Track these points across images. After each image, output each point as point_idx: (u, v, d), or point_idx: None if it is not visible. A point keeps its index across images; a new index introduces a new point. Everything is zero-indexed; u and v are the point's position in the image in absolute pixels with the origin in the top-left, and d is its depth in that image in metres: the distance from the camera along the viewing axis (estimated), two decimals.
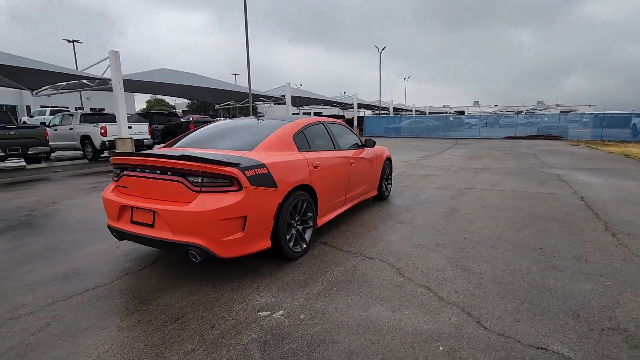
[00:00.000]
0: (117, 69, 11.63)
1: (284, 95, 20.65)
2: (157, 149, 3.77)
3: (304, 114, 42.54)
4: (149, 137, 13.39)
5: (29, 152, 10.22)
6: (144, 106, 77.33)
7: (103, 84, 12.36)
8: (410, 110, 48.13)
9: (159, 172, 2.86)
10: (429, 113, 52.99)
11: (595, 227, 4.28)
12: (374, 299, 2.63)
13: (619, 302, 2.56)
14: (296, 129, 3.73)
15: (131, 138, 12.11)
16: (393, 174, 8.70)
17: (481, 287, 2.81)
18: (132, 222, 2.95)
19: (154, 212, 2.78)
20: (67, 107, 31.46)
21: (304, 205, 3.47)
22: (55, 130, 13.05)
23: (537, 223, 4.48)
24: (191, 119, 39.60)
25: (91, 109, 45.19)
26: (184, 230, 2.68)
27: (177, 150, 3.49)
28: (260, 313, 2.46)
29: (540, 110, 61.71)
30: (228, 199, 2.69)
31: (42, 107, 32.80)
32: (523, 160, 11.17)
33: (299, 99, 27.44)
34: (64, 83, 13.31)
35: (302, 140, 3.76)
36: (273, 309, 2.51)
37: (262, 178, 2.91)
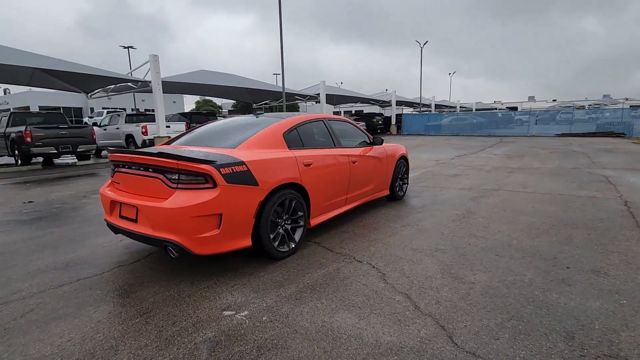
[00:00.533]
0: (157, 72, 12.33)
1: (318, 94, 20.67)
2: (157, 147, 3.90)
3: (334, 112, 42.34)
4: None
5: (78, 150, 11.16)
6: (194, 106, 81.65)
7: (144, 86, 13.16)
8: (455, 107, 46.00)
9: (142, 168, 2.94)
10: (476, 109, 50.36)
11: (630, 237, 3.75)
12: (344, 305, 2.50)
13: (629, 325, 2.20)
14: (288, 127, 3.66)
15: (168, 136, 12.78)
16: (418, 173, 8.37)
17: (468, 298, 2.56)
18: (121, 216, 3.07)
19: (137, 207, 2.87)
20: (124, 109, 34.12)
21: (293, 204, 3.40)
22: (105, 129, 14.14)
23: (562, 229, 4.03)
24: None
25: (145, 109, 48.66)
26: (161, 226, 2.74)
27: (171, 147, 3.58)
28: (225, 312, 2.43)
29: (605, 105, 56.14)
30: (202, 196, 2.70)
31: (103, 108, 35.80)
32: (570, 160, 10.18)
33: (336, 97, 27.35)
34: (112, 86, 14.38)
35: (295, 137, 3.69)
36: (239, 308, 2.47)
37: (240, 176, 2.88)
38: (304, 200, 3.54)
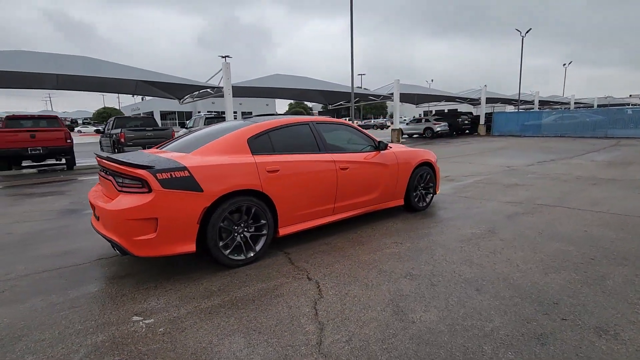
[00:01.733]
0: (228, 78, 13.37)
1: (392, 93, 19.86)
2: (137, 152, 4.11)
3: (424, 112, 40.04)
4: None
5: None
6: (287, 108, 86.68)
7: (219, 92, 14.38)
8: (568, 103, 39.35)
9: (105, 172, 3.17)
10: (599, 105, 42.43)
11: None
12: (247, 327, 2.29)
13: None
14: (255, 132, 3.53)
15: None
16: (470, 180, 7.37)
17: (389, 341, 2.11)
18: (94, 215, 3.36)
19: (95, 207, 3.11)
20: (223, 112, 38.08)
21: (252, 212, 3.28)
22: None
23: (601, 265, 3.08)
24: None
25: (242, 112, 53.53)
26: (108, 226, 2.91)
27: (159, 153, 3.77)
28: (134, 317, 2.45)
29: None
30: (137, 200, 2.77)
31: (208, 112, 40.58)
32: None
33: (417, 95, 25.94)
34: (197, 92, 16.10)
35: (265, 143, 3.54)
36: (149, 315, 2.47)
37: (180, 181, 2.88)
38: (268, 208, 3.39)
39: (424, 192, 5.14)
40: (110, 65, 13.77)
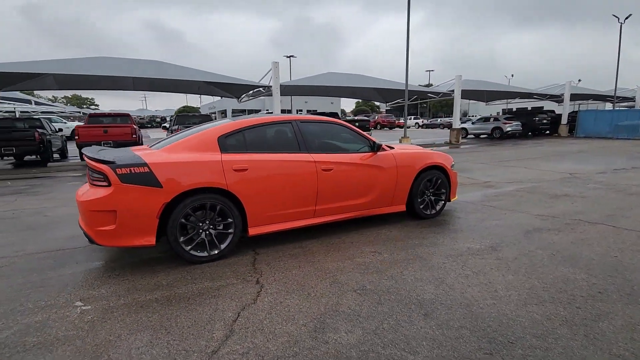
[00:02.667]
0: (276, 77, 13.73)
1: (452, 90, 18.51)
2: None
3: (503, 110, 36.68)
4: None
5: None
6: (353, 107, 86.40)
7: (269, 91, 14.83)
8: None
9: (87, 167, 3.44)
10: None
11: None
12: (159, 326, 2.29)
13: None
14: (228, 130, 3.52)
15: None
16: (509, 188, 6.54)
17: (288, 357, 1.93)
18: None
19: None
20: (289, 110, 39.33)
21: (217, 210, 3.29)
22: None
23: (601, 303, 2.48)
24: (376, 117, 41.34)
25: (307, 111, 54.80)
26: (80, 215, 3.15)
27: (141, 149, 3.90)
28: (77, 302, 2.61)
29: None
30: (98, 193, 2.96)
31: (267, 111, 42.37)
32: None
33: (487, 93, 23.85)
34: (251, 92, 16.83)
35: (238, 141, 3.52)
36: (91, 302, 2.60)
37: (140, 176, 2.99)
38: (235, 207, 3.37)
39: (433, 198, 4.67)
40: (177, 68, 15.04)
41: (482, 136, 23.28)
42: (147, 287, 2.84)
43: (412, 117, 46.95)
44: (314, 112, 17.61)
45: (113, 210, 2.96)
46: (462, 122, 23.83)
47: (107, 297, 2.68)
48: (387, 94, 20.76)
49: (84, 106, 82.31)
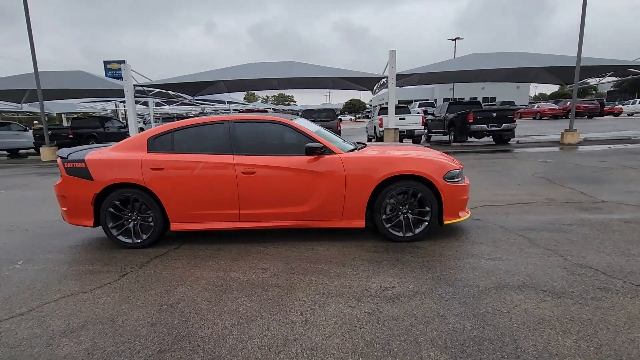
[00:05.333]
0: (392, 67, 12.92)
1: None
2: None
3: None
4: (422, 127, 13.76)
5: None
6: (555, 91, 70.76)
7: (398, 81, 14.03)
8: None
9: None
10: None
11: None
12: (8, 294, 2.84)
13: None
14: (158, 132, 3.75)
15: (396, 129, 13.17)
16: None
17: (15, 347, 2.11)
18: None
19: None
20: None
21: (139, 203, 3.67)
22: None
23: None
24: (539, 105, 31.43)
25: (482, 99, 48.96)
26: None
27: (105, 147, 4.50)
28: (14, 265, 3.51)
29: None
30: (57, 181, 3.80)
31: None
32: None
33: None
34: (379, 83, 16.39)
35: (166, 142, 3.72)
36: (25, 265, 3.45)
37: (78, 170, 3.66)
38: (155, 203, 3.66)
39: (411, 217, 3.62)
40: (311, 67, 16.31)
41: None
42: (64, 261, 3.50)
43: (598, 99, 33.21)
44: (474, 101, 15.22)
45: (64, 196, 3.76)
46: None
47: (38, 261, 3.48)
48: (563, 72, 16.07)
49: (286, 103, 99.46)
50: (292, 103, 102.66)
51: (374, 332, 2.13)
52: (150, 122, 27.00)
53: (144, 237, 3.73)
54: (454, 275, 2.83)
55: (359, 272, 2.97)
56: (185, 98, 19.84)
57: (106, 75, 26.95)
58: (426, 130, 17.44)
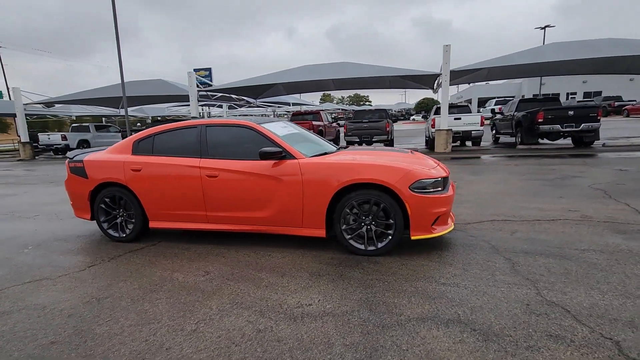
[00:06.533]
0: (446, 63, 11.93)
1: None
2: None
3: None
4: (480, 128, 12.47)
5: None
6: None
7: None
8: None
9: None
10: None
11: None
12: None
13: None
14: (142, 135, 4.02)
15: (449, 130, 12.15)
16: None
17: None
18: None
19: None
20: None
21: (123, 201, 4.00)
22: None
23: None
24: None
25: (583, 94, 43.07)
26: None
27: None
28: (27, 248, 4.08)
29: None
30: (65, 178, 4.33)
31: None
32: None
33: None
34: (437, 80, 15.30)
35: (148, 145, 3.98)
36: (34, 248, 4.01)
37: (78, 170, 4.12)
38: (136, 201, 3.95)
39: (374, 229, 3.32)
40: (364, 67, 16.00)
41: None
42: (56, 248, 3.98)
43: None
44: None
45: (69, 191, 4.28)
46: None
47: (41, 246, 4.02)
48: None
49: (361, 103, 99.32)
50: (367, 103, 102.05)
51: (245, 352, 1.99)
52: None
53: (126, 232, 4.05)
54: (386, 300, 2.50)
55: (291, 285, 2.81)
56: (248, 101, 21.03)
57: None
58: (494, 131, 15.90)
